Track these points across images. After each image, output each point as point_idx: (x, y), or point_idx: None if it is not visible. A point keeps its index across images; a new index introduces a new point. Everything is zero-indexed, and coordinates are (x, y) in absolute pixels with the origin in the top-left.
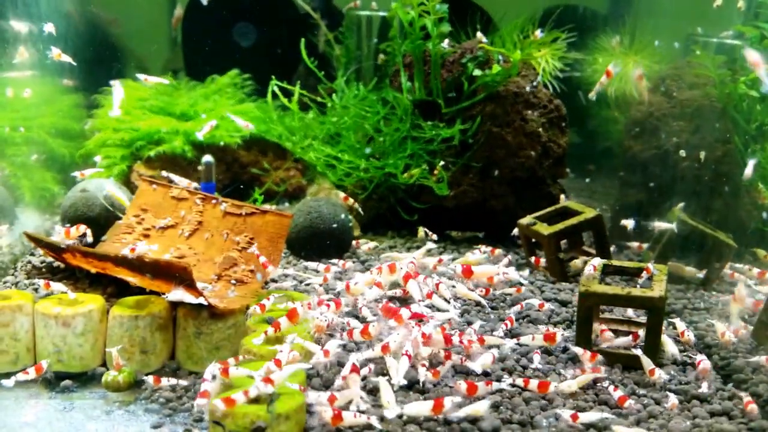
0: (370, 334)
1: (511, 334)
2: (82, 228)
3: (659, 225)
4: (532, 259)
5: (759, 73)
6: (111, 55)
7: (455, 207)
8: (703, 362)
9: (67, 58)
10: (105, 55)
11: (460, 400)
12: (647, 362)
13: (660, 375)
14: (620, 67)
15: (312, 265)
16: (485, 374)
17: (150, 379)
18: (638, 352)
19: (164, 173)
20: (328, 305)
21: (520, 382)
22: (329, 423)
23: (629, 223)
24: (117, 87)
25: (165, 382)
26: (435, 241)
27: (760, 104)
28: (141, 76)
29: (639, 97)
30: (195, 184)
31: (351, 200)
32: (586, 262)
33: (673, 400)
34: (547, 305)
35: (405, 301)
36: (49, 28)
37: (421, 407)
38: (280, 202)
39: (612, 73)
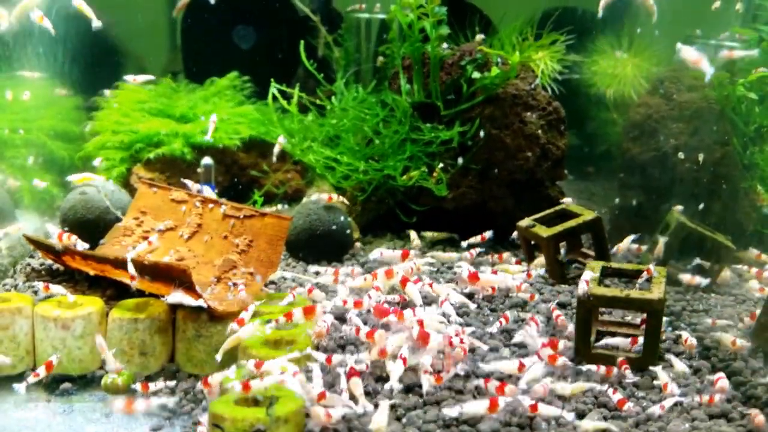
0: (374, 338)
1: (509, 335)
2: (74, 238)
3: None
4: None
5: (703, 68)
6: (110, 58)
7: (454, 209)
8: (721, 381)
9: (48, 24)
10: (104, 58)
11: (511, 399)
12: (663, 376)
13: (673, 390)
14: None
15: (314, 268)
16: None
17: (138, 386)
18: (657, 368)
19: (184, 180)
20: (345, 301)
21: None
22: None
23: (628, 243)
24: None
25: (152, 387)
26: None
27: (758, 106)
28: (129, 77)
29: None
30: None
31: (335, 197)
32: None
33: (667, 403)
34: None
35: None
36: None
37: (478, 407)
38: (282, 204)
39: None
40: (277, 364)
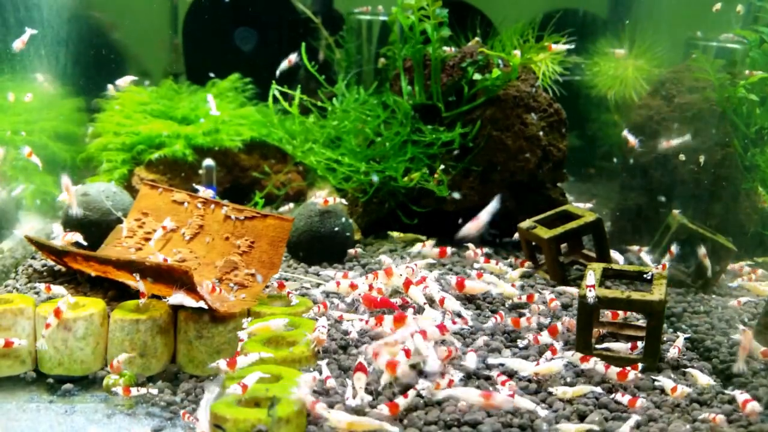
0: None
1: (510, 336)
2: (77, 236)
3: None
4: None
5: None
6: (111, 60)
7: (455, 211)
8: (750, 404)
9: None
10: (106, 60)
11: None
12: (668, 382)
13: (683, 390)
14: None
15: (324, 272)
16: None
17: (119, 390)
18: (659, 376)
19: (195, 186)
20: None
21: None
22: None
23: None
24: None
25: (135, 392)
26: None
27: (759, 108)
28: (119, 80)
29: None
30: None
31: (331, 201)
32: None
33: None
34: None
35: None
36: None
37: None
38: (289, 204)
39: None
40: (250, 359)
